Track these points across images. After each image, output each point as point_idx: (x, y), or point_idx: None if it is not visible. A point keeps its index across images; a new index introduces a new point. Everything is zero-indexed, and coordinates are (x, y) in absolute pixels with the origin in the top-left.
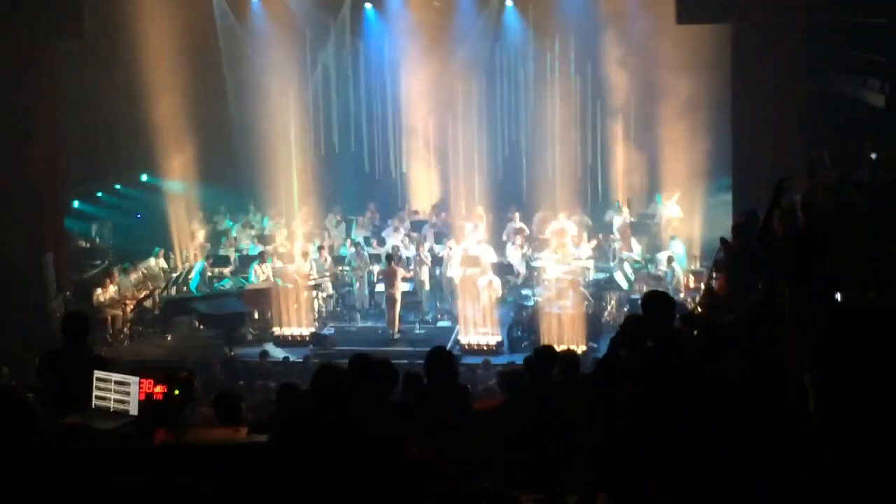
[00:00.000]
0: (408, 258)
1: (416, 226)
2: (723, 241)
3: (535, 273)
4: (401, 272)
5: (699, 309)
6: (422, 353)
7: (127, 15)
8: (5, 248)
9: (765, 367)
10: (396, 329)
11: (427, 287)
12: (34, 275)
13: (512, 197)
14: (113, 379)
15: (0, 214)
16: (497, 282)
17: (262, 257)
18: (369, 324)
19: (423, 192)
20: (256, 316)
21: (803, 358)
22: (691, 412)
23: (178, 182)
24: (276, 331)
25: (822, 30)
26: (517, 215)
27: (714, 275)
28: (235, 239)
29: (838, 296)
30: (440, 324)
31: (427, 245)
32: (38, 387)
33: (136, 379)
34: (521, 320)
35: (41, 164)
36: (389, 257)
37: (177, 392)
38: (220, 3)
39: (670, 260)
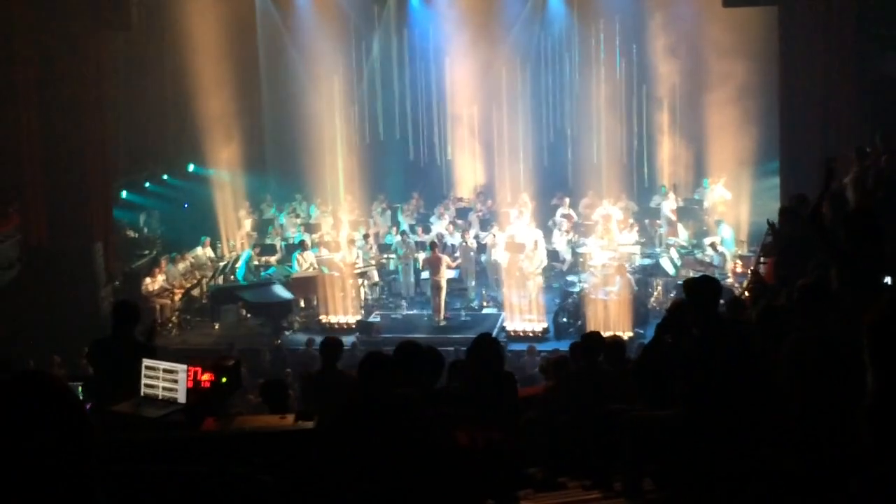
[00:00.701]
0: (453, 245)
1: (462, 213)
2: (771, 224)
3: (581, 259)
4: (445, 259)
5: (746, 294)
6: (467, 339)
7: (174, 8)
8: (56, 239)
9: (815, 350)
10: (442, 316)
11: (473, 274)
12: (84, 265)
13: (557, 183)
14: (161, 367)
15: (50, 205)
16: (542, 249)
17: (303, 246)
18: (415, 311)
19: (467, 179)
20: (303, 304)
21: (861, 337)
22: (741, 397)
23: (224, 171)
24: (323, 319)
25: (871, 10)
26: (566, 200)
27: (762, 259)
28: (282, 227)
29: (888, 279)
30: (486, 310)
31: (472, 232)
32: (88, 375)
33: (184, 367)
34: (566, 307)
35: (90, 155)
36: (434, 245)
37: (224, 380)
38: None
39: (714, 246)
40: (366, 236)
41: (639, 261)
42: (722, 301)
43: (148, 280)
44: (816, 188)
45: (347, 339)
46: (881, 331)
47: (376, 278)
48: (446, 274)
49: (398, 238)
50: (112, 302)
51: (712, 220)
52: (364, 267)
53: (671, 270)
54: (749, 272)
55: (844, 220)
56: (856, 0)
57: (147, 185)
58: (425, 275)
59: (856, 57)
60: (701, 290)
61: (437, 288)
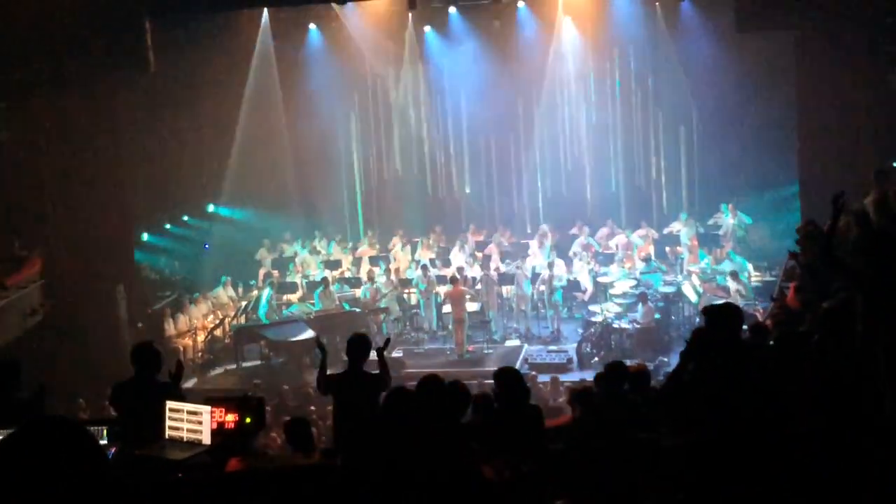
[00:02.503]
0: (473, 278)
1: (481, 246)
2: (792, 252)
3: (603, 288)
4: (467, 292)
5: (769, 320)
6: (490, 372)
7: (191, 49)
8: (78, 282)
9: (839, 374)
10: (465, 349)
11: (495, 307)
12: (106, 307)
13: (576, 212)
14: (185, 409)
15: (72, 249)
16: (559, 268)
17: (325, 283)
18: (437, 345)
19: (486, 211)
20: (325, 341)
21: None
22: (764, 423)
23: (243, 211)
24: (345, 356)
25: (888, 32)
26: (585, 230)
27: (784, 284)
28: (303, 265)
29: None
30: (508, 343)
31: (493, 265)
32: (111, 418)
33: (208, 408)
34: (589, 336)
35: (110, 198)
36: (454, 278)
37: (248, 420)
38: (265, 36)
39: (734, 275)
40: (387, 271)
41: (661, 288)
42: (745, 326)
43: (170, 321)
44: (829, 222)
45: None
46: None
47: (398, 312)
48: (468, 307)
49: (419, 272)
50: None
51: (733, 244)
52: (385, 296)
53: (693, 297)
54: (771, 297)
55: (866, 243)
56: (871, 20)
57: (168, 226)
58: (447, 308)
59: (872, 78)
60: (722, 317)
61: (458, 321)
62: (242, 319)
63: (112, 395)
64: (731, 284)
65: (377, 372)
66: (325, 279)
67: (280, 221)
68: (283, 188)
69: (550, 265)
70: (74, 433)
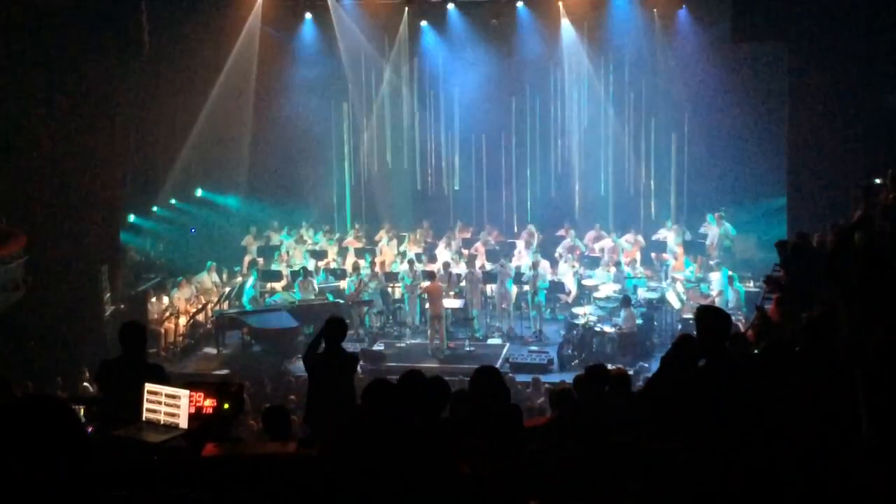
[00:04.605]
0: (458, 275)
1: (468, 243)
2: (778, 263)
3: (587, 291)
4: (445, 288)
5: (750, 331)
6: (471, 370)
7: (184, 35)
8: (61, 261)
9: (820, 384)
10: (445, 345)
11: (478, 304)
12: (89, 287)
13: (564, 214)
14: (164, 392)
15: (56, 227)
16: (543, 269)
17: (305, 273)
18: (419, 340)
19: (474, 209)
20: (307, 331)
21: (860, 374)
22: (748, 431)
23: (231, 197)
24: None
25: (878, 45)
26: (571, 232)
27: (767, 296)
28: (288, 254)
29: None
30: (490, 341)
31: (478, 262)
32: (89, 397)
33: (187, 392)
34: (571, 339)
35: (98, 178)
36: (432, 274)
37: (226, 406)
38: (255, 21)
39: (730, 279)
40: (372, 264)
41: (645, 294)
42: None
43: (153, 304)
44: (823, 223)
45: None
46: (874, 370)
47: (382, 306)
48: (446, 303)
49: (405, 267)
50: (120, 324)
51: (719, 254)
52: (367, 287)
53: (677, 304)
54: (754, 308)
55: (853, 257)
56: (863, 35)
57: (155, 208)
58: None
59: (863, 91)
60: (713, 319)
61: (436, 317)
62: (225, 305)
63: (98, 372)
64: (714, 291)
65: (353, 351)
66: (304, 269)
67: (268, 209)
68: (273, 176)
69: (535, 265)
70: (58, 411)
